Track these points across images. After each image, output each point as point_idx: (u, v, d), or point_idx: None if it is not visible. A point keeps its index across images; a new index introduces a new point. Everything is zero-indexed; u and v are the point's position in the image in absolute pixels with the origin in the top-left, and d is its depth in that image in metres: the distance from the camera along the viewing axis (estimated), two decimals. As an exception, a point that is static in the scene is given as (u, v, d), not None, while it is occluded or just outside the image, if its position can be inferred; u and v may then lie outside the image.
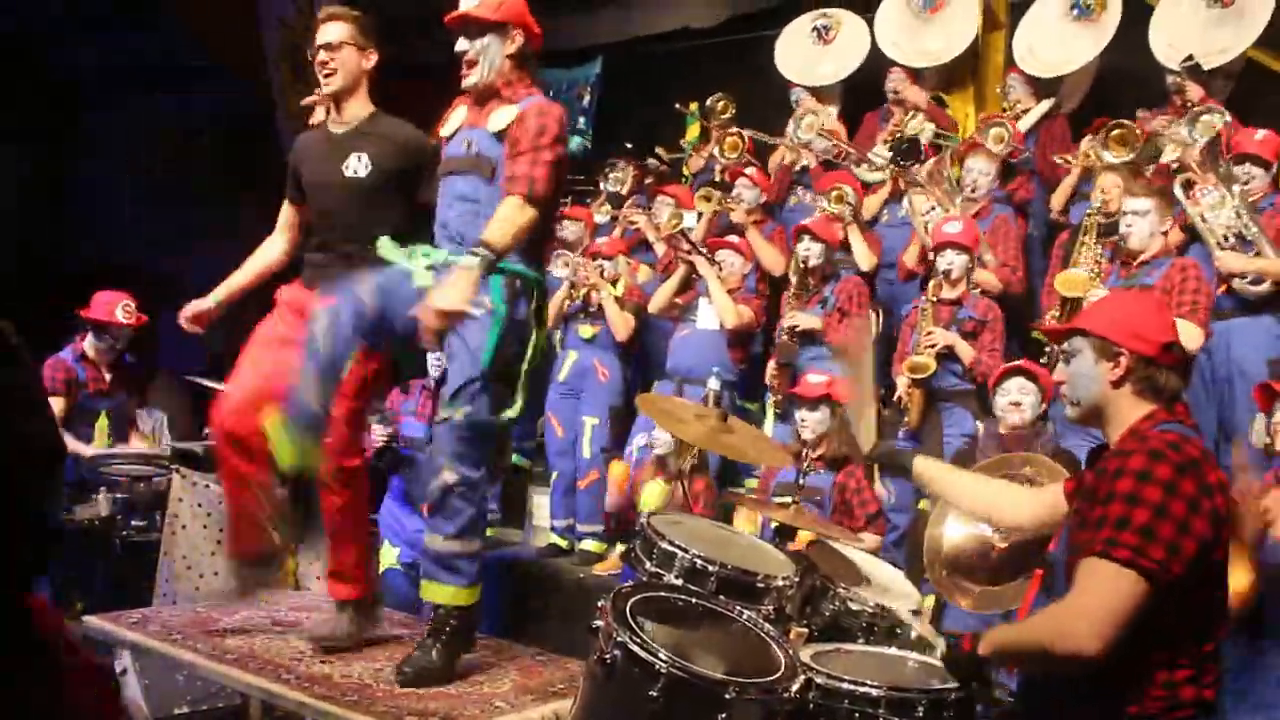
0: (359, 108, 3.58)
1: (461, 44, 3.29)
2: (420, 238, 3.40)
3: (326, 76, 3.53)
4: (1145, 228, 4.64)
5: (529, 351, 3.29)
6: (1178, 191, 4.77)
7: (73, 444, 5.25)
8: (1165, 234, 4.73)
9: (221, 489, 3.74)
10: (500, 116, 3.29)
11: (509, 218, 3.15)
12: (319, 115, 3.71)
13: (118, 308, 5.51)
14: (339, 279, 3.34)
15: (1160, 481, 2.03)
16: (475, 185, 3.29)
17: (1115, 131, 5.42)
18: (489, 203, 3.23)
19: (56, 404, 5.28)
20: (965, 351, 4.87)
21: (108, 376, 5.54)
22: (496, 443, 3.35)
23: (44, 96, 10.67)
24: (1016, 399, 4.33)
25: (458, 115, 3.43)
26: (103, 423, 5.41)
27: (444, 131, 3.44)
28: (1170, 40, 5.74)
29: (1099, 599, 2.01)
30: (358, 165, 3.50)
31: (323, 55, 3.52)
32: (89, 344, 5.53)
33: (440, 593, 3.30)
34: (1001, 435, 4.35)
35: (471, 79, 3.31)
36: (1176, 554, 2.01)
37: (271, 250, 3.80)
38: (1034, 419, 4.33)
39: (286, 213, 3.78)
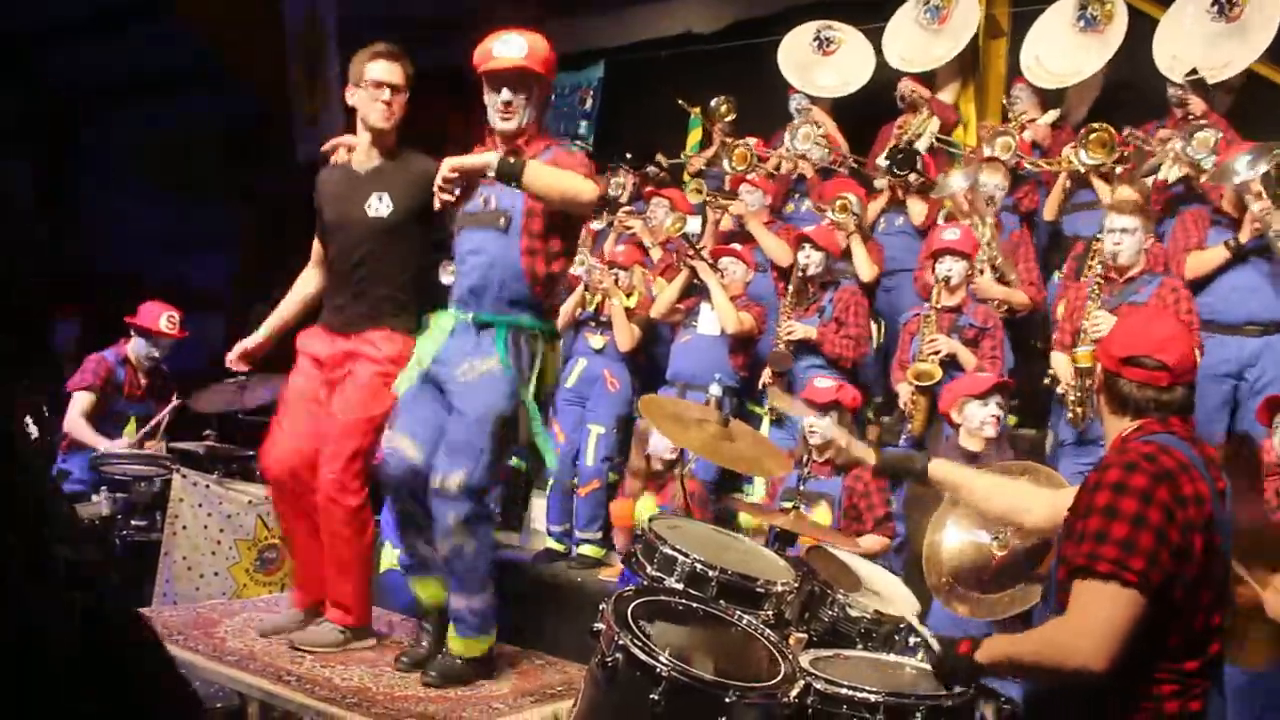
0: (386, 143, 3.61)
1: (506, 94, 3.32)
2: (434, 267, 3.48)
3: (385, 117, 3.54)
4: (1133, 245, 4.69)
5: (528, 397, 3.35)
6: (1254, 207, 4.62)
7: (93, 437, 5.30)
8: (1147, 250, 4.75)
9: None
10: None
11: (565, 171, 3.25)
12: (341, 156, 3.73)
13: (163, 317, 5.66)
14: (368, 319, 3.51)
15: (1135, 492, 2.06)
16: (493, 238, 3.34)
17: (1093, 135, 5.46)
18: (504, 252, 3.32)
19: (87, 399, 5.33)
20: (968, 359, 4.88)
21: (143, 382, 5.65)
22: (494, 487, 3.45)
23: (43, 101, 10.70)
24: (995, 413, 4.39)
25: None
26: (130, 427, 5.45)
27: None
28: (1174, 53, 5.75)
29: (1096, 616, 2.04)
30: (379, 205, 3.53)
31: (385, 95, 3.52)
32: (132, 349, 5.66)
33: (462, 646, 3.39)
34: (962, 451, 4.36)
35: (511, 125, 3.35)
36: (1155, 563, 2.03)
37: (310, 283, 3.84)
38: (996, 437, 4.40)
39: (318, 249, 3.82)
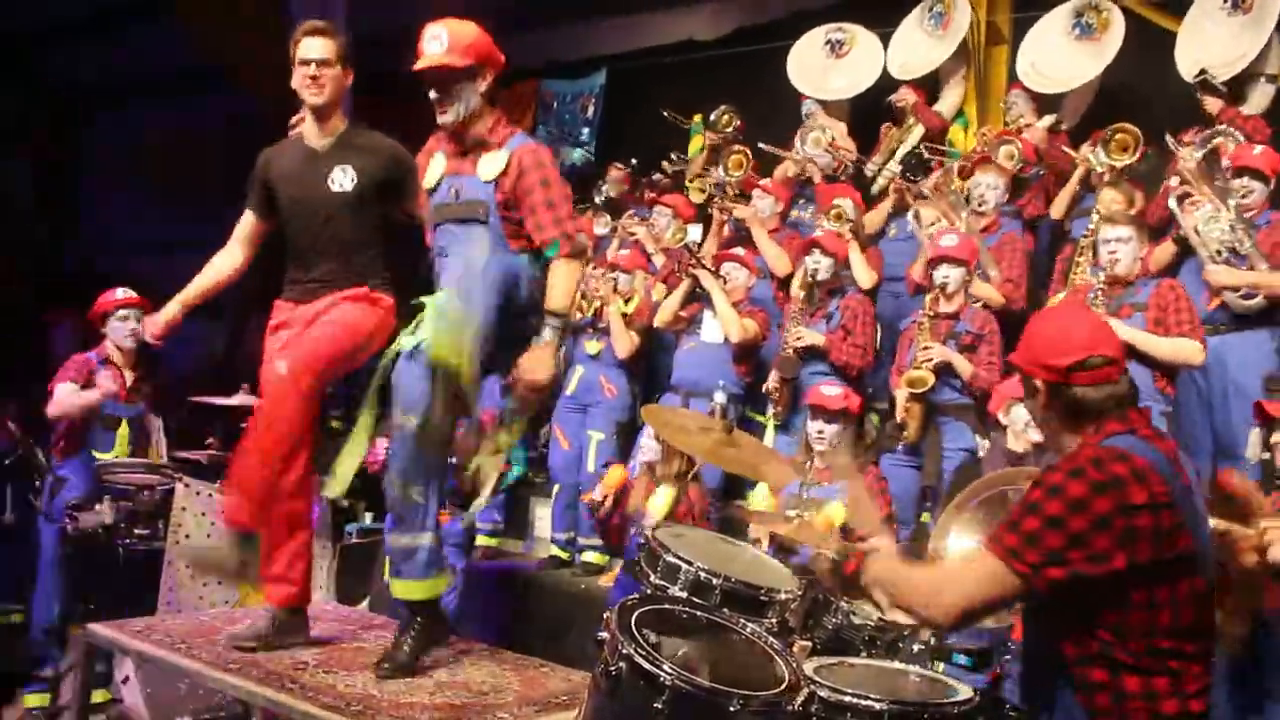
0: (338, 121, 3.58)
1: (433, 92, 3.29)
2: (401, 248, 3.43)
3: (314, 91, 3.51)
4: (1129, 254, 4.71)
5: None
6: (1172, 204, 4.82)
7: (81, 397, 5.21)
8: (1144, 259, 4.77)
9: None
10: (489, 164, 3.32)
11: (566, 280, 3.26)
12: (295, 133, 3.70)
13: (117, 292, 5.49)
14: (330, 292, 3.46)
15: (1067, 499, 2.06)
16: (470, 230, 3.32)
17: (1117, 136, 5.47)
18: (486, 244, 3.29)
19: (69, 389, 5.24)
20: (963, 366, 4.88)
21: (129, 382, 5.44)
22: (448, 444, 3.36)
23: (44, 102, 10.72)
24: (1021, 426, 4.27)
25: (437, 164, 3.44)
26: (123, 430, 5.39)
27: (426, 183, 3.45)
28: (1199, 58, 5.68)
29: (964, 578, 2.15)
30: (343, 179, 3.50)
31: (312, 70, 3.49)
32: (110, 340, 5.46)
33: (405, 589, 3.38)
34: (1009, 454, 4.30)
35: (447, 118, 3.31)
36: (1057, 562, 2.05)
37: (227, 261, 3.77)
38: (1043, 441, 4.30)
39: (248, 224, 3.75)
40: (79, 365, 5.34)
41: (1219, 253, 4.66)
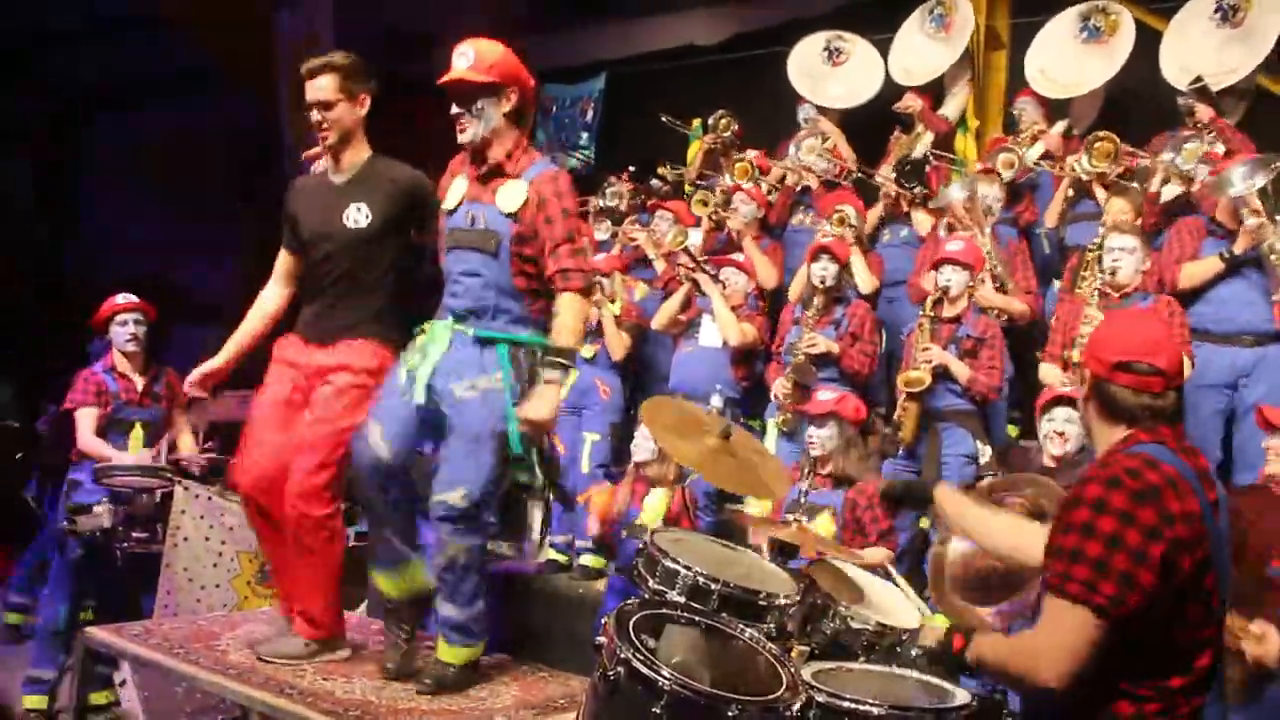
0: (356, 154, 3.57)
1: (455, 107, 3.30)
2: (418, 275, 3.48)
3: (323, 136, 3.51)
4: (1132, 264, 4.73)
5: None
6: (1249, 221, 4.64)
7: (107, 452, 5.20)
8: (1145, 272, 4.79)
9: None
10: (510, 196, 3.32)
11: (574, 317, 3.28)
12: (318, 166, 3.71)
13: (117, 298, 5.46)
14: (347, 329, 3.49)
15: (1115, 511, 2.01)
16: (484, 260, 3.32)
17: (1098, 144, 5.49)
18: (497, 275, 3.31)
19: (91, 414, 5.24)
20: (960, 370, 4.88)
21: (139, 386, 5.41)
22: (495, 503, 3.38)
23: (44, 104, 10.71)
24: (1061, 428, 4.23)
25: (458, 187, 3.43)
26: (137, 433, 5.37)
27: (446, 205, 3.45)
28: (1182, 63, 5.75)
29: (1054, 637, 2.02)
30: (358, 215, 3.50)
31: (315, 115, 3.49)
32: (115, 348, 5.42)
33: (459, 655, 3.39)
34: (1043, 466, 4.24)
35: (466, 136, 3.32)
36: (1131, 586, 1.99)
37: (271, 301, 3.77)
38: (1077, 450, 4.20)
39: (285, 262, 3.75)
40: (85, 384, 5.29)
41: None
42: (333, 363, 3.50)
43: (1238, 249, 4.73)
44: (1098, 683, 2.03)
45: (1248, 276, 4.77)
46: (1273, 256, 4.65)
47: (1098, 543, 1.99)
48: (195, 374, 3.74)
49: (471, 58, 3.27)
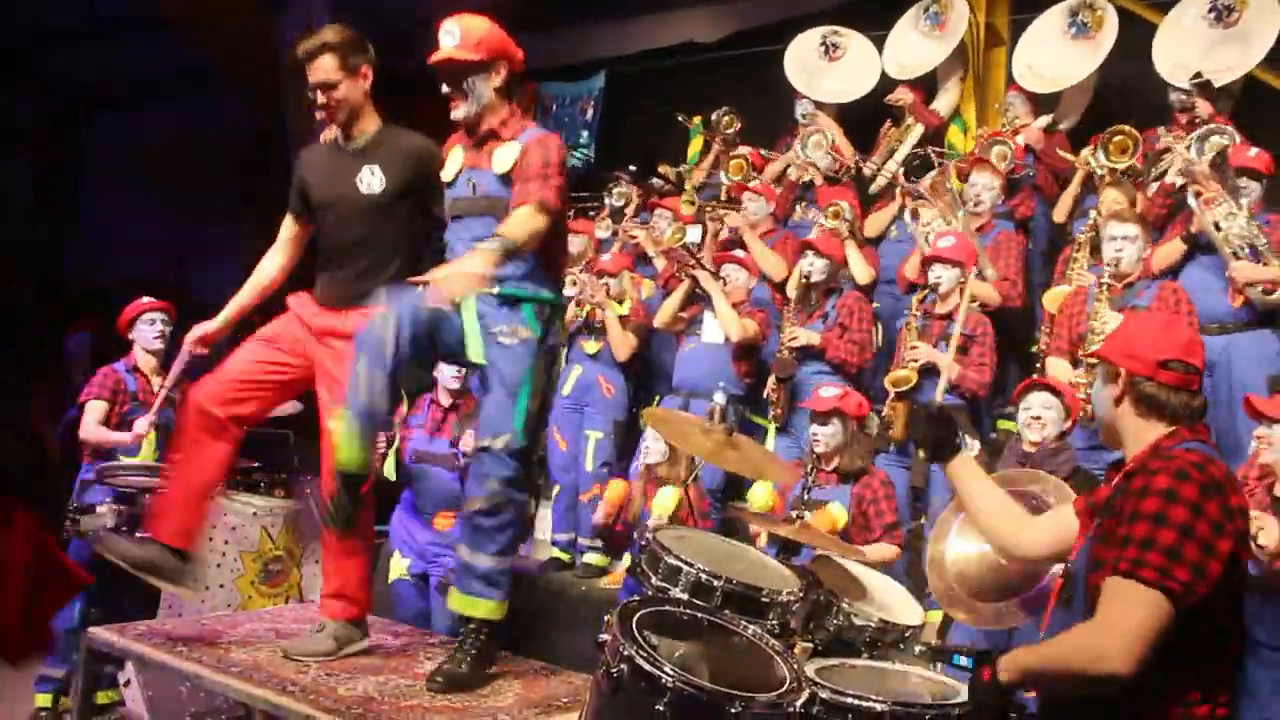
0: (366, 123, 3.56)
1: (445, 86, 3.30)
2: (432, 248, 3.43)
3: (332, 115, 3.50)
4: (1134, 252, 4.74)
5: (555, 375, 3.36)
6: (1191, 202, 4.79)
7: (112, 437, 5.21)
8: (1145, 259, 4.80)
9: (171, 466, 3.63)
10: (504, 157, 3.32)
11: (523, 218, 3.20)
12: (328, 134, 3.69)
13: (142, 300, 5.51)
14: (360, 296, 3.40)
15: (1186, 502, 2.05)
16: (489, 226, 3.29)
17: (1116, 138, 5.49)
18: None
19: (100, 406, 5.26)
20: (949, 368, 4.88)
21: (157, 388, 5.40)
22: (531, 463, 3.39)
23: (45, 104, 10.72)
24: (1038, 414, 4.28)
25: (455, 157, 3.43)
26: (151, 435, 5.38)
27: (445, 176, 3.44)
28: (1174, 59, 5.77)
29: (1129, 619, 2.03)
30: (371, 180, 3.49)
31: (319, 99, 3.47)
32: (138, 347, 5.46)
33: (479, 607, 3.36)
34: (1023, 451, 4.31)
35: (460, 113, 3.32)
36: (1201, 575, 2.02)
37: (272, 266, 3.76)
38: (1056, 435, 4.27)
39: (288, 227, 3.75)
40: (104, 379, 5.33)
41: (1241, 249, 4.67)
42: (343, 329, 3.45)
43: (1193, 228, 4.82)
44: (1143, 675, 2.03)
45: (1209, 267, 4.83)
46: (1218, 235, 4.71)
47: (1171, 531, 2.03)
48: (193, 333, 3.73)
49: (458, 35, 3.26)
